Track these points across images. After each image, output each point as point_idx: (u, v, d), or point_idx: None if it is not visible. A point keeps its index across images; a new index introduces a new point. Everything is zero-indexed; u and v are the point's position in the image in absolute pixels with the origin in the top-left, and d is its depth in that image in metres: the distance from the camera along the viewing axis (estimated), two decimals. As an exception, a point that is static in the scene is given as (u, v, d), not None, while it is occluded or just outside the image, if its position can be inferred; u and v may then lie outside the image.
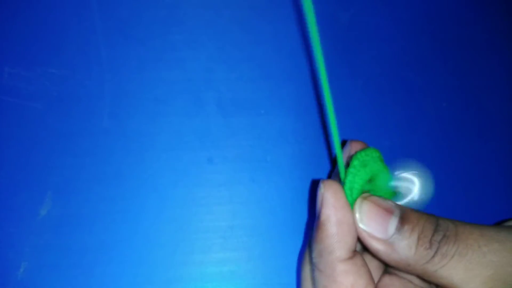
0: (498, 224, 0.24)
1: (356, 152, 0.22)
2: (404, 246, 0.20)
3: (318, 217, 0.21)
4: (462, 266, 0.19)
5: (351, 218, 0.21)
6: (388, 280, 0.24)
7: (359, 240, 0.21)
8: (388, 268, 0.26)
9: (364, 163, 0.22)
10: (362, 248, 0.25)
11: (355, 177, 0.22)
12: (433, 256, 0.19)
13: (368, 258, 0.25)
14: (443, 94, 0.35)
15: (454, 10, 0.36)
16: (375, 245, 0.20)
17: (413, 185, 0.24)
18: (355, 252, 0.21)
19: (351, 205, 0.21)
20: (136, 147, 0.31)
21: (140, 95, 0.32)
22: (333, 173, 0.28)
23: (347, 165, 0.22)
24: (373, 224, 0.20)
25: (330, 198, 0.20)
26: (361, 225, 0.20)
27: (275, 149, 0.32)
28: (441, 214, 0.27)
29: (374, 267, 0.25)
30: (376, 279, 0.25)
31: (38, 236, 0.30)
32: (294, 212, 0.31)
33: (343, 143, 0.26)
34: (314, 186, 0.32)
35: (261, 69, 0.33)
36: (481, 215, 0.33)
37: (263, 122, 0.32)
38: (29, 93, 0.31)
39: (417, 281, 0.24)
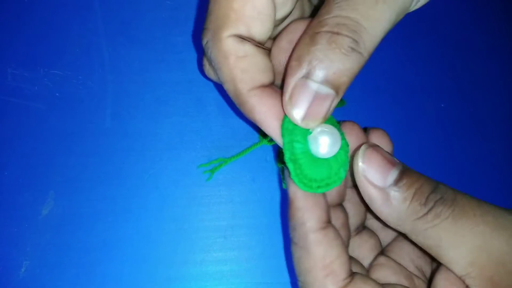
0: None
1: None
2: (398, 198, 0.20)
3: (288, 195, 0.22)
4: (453, 229, 0.19)
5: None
6: (383, 260, 0.24)
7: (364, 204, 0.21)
8: (384, 249, 0.26)
9: (290, 128, 0.21)
10: (357, 229, 0.25)
11: (292, 143, 0.21)
12: (426, 213, 0.19)
13: (363, 238, 0.25)
14: (441, 95, 0.35)
15: (452, 12, 0.37)
16: (371, 191, 0.20)
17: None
18: (327, 224, 0.21)
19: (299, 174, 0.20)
20: (138, 147, 0.31)
21: (142, 96, 0.32)
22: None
23: None
24: (372, 170, 0.20)
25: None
26: (361, 169, 0.20)
27: (275, 149, 0.32)
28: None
29: (370, 247, 0.25)
30: (370, 259, 0.25)
31: (40, 235, 0.30)
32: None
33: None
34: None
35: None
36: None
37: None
38: (32, 93, 0.31)
39: (412, 267, 0.24)
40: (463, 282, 0.19)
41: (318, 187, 0.21)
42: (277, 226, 0.31)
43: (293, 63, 0.19)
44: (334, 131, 0.20)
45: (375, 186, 0.20)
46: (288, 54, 0.22)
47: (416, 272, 0.25)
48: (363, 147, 0.21)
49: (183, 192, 0.31)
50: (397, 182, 0.20)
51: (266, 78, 0.21)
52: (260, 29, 0.21)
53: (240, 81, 0.21)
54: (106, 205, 0.30)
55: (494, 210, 0.20)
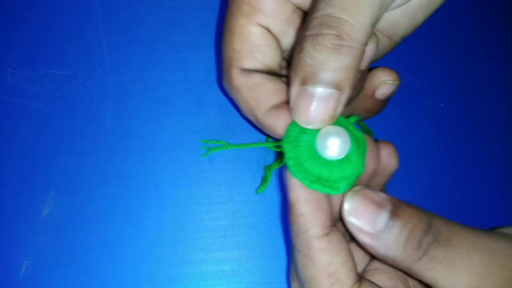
0: (495, 229, 0.23)
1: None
2: (391, 243, 0.19)
3: (288, 199, 0.21)
4: (449, 272, 0.19)
5: (318, 195, 0.21)
6: (378, 264, 0.24)
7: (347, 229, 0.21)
8: None
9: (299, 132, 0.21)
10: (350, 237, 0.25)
11: (296, 148, 0.21)
12: (421, 258, 0.19)
13: (357, 243, 0.25)
14: (441, 95, 0.35)
15: (452, 12, 0.37)
16: (363, 238, 0.20)
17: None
18: (330, 228, 0.21)
19: (308, 177, 0.20)
20: (138, 147, 0.31)
21: (142, 96, 0.32)
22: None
23: None
24: (362, 217, 0.20)
25: (295, 179, 0.21)
26: (349, 218, 0.20)
27: (276, 153, 0.32)
28: (438, 213, 0.27)
29: (363, 252, 0.25)
30: (364, 264, 0.25)
31: (40, 235, 0.30)
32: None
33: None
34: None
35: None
36: (478, 215, 0.33)
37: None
38: (32, 93, 0.31)
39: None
40: None
41: (314, 182, 0.20)
42: (277, 226, 0.31)
43: (291, 73, 0.20)
44: (341, 134, 0.20)
45: (366, 233, 0.20)
46: None
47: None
48: (348, 194, 0.21)
49: (183, 192, 0.31)
50: (387, 227, 0.19)
51: (278, 99, 0.23)
52: (265, 59, 0.24)
53: (255, 108, 0.23)
54: (107, 205, 0.30)
55: (490, 246, 0.19)
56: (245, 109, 0.24)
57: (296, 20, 0.25)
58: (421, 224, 0.19)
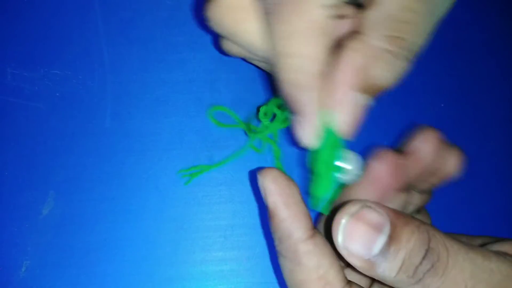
0: (495, 243, 0.22)
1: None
2: (385, 268, 0.18)
3: (267, 206, 0.20)
4: None
5: (296, 196, 0.20)
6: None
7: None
8: None
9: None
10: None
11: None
12: (414, 284, 0.18)
13: None
14: (441, 95, 0.35)
15: (452, 11, 0.37)
16: (354, 262, 0.19)
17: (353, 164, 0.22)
18: (314, 230, 0.20)
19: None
20: (138, 147, 0.31)
21: (142, 96, 0.32)
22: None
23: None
24: (356, 244, 0.18)
25: (270, 184, 0.20)
26: (341, 245, 0.18)
27: (273, 151, 0.32)
28: (438, 215, 0.27)
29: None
30: (368, 284, 0.24)
31: (40, 235, 0.30)
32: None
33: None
34: (253, 177, 0.32)
35: (260, 69, 0.33)
36: (478, 216, 0.33)
37: (263, 122, 0.32)
38: (32, 93, 0.31)
39: None
40: None
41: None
42: (277, 226, 0.31)
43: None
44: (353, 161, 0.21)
45: (358, 258, 0.18)
46: None
47: None
48: (344, 218, 0.18)
49: (183, 192, 0.31)
50: (383, 251, 0.18)
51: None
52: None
53: (314, 60, 0.19)
54: (106, 205, 0.30)
55: (490, 277, 0.18)
56: (294, 51, 0.19)
57: None
58: (419, 249, 0.18)
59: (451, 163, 0.23)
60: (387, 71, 0.19)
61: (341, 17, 0.20)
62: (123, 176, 0.31)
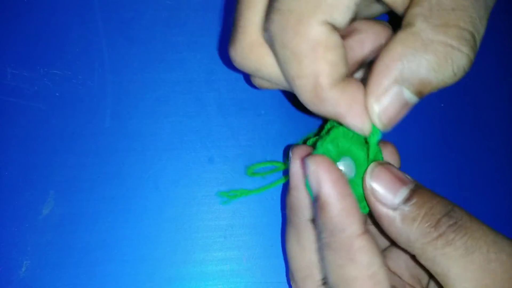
0: None
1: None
2: (407, 217, 0.18)
3: (318, 197, 0.19)
4: (464, 263, 0.18)
5: (350, 190, 0.19)
6: (395, 253, 0.24)
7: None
8: None
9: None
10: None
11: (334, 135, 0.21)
12: (437, 238, 0.18)
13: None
14: (441, 94, 0.35)
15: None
16: (380, 209, 0.19)
17: None
18: (366, 226, 0.20)
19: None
20: (138, 147, 0.31)
21: (142, 96, 0.32)
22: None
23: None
24: (381, 189, 0.19)
25: (325, 174, 0.19)
26: (369, 188, 0.20)
27: (275, 149, 0.32)
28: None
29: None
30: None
31: (41, 235, 0.30)
32: (294, 211, 0.31)
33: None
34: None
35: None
36: (478, 216, 0.33)
37: (263, 122, 0.32)
38: (31, 93, 0.31)
39: (407, 276, 0.24)
40: None
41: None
42: (277, 225, 0.31)
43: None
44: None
45: (384, 205, 0.19)
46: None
47: (411, 281, 0.24)
48: (372, 165, 0.20)
49: (183, 192, 0.31)
50: (406, 201, 0.19)
51: (347, 70, 0.20)
52: (346, 18, 0.19)
53: (325, 75, 0.19)
54: (106, 205, 0.30)
55: (510, 248, 0.18)
56: (305, 73, 0.19)
57: None
58: (441, 206, 0.19)
59: (394, 161, 0.24)
60: (438, 65, 0.18)
61: (347, 26, 0.20)
62: (123, 176, 0.31)
